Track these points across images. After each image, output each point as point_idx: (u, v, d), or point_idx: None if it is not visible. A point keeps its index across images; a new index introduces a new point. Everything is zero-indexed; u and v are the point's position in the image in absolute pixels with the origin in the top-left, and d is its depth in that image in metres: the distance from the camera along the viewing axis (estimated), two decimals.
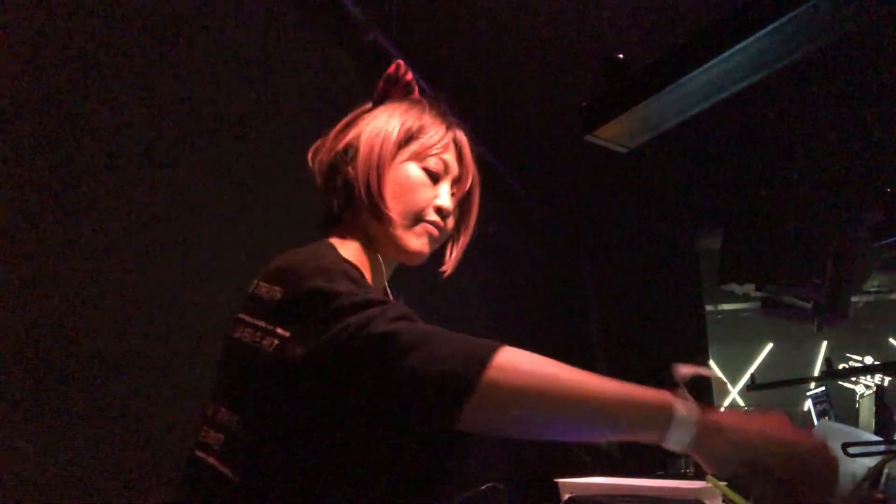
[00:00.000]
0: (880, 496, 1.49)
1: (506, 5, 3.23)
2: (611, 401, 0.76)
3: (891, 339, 9.93)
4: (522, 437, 0.79)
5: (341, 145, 1.06)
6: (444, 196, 1.06)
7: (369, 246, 1.06)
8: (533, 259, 5.17)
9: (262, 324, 0.85)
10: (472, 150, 1.13)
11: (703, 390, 5.84)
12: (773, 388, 2.55)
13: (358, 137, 1.05)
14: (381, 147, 1.02)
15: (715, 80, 1.18)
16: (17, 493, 1.52)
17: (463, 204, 1.14)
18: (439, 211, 1.06)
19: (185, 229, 2.13)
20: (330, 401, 0.79)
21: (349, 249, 1.03)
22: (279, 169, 2.57)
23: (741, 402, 11.98)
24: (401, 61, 1.16)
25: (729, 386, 12.08)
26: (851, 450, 1.53)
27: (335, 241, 1.04)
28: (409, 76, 1.16)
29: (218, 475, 0.81)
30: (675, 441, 0.76)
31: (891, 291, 7.51)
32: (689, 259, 5.95)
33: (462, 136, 1.13)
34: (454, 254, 1.17)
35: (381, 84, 1.15)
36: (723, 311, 9.37)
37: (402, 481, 0.85)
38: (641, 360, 5.57)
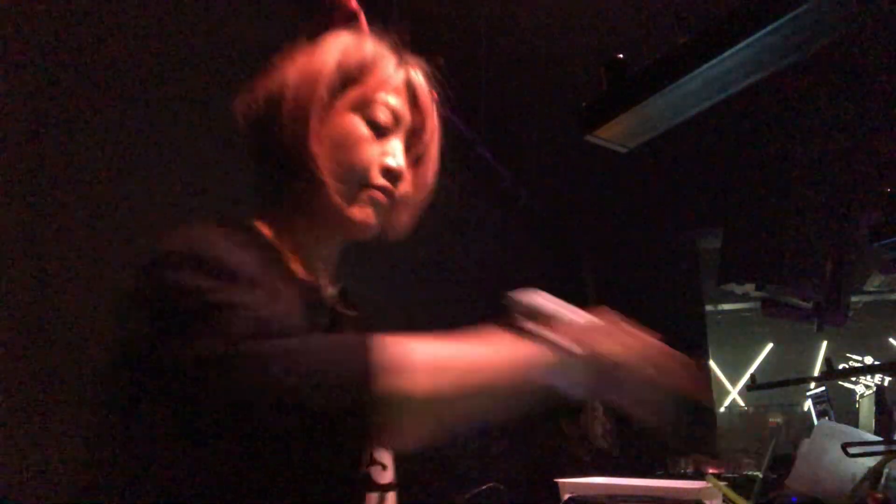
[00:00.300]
0: (880, 496, 1.49)
1: (505, 5, 3.23)
2: (503, 369, 0.68)
3: (891, 339, 9.93)
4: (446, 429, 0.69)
5: (263, 95, 0.82)
6: (394, 154, 0.84)
7: (310, 222, 0.84)
8: (533, 259, 5.17)
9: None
10: (433, 93, 0.92)
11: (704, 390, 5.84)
12: (773, 388, 2.55)
13: (283, 84, 0.81)
14: (311, 94, 0.79)
15: (715, 80, 1.18)
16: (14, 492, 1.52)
17: (418, 158, 0.92)
18: (388, 172, 0.83)
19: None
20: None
21: (283, 230, 0.84)
22: None
23: (741, 403, 11.99)
24: None
25: (730, 386, 12.10)
26: (851, 450, 1.53)
27: (261, 224, 0.84)
28: (353, 3, 0.93)
29: None
30: (568, 382, 0.70)
31: (891, 291, 7.52)
32: (689, 259, 5.95)
33: (417, 76, 0.90)
34: (403, 215, 0.91)
35: (315, 16, 0.93)
36: (723, 311, 9.38)
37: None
38: None
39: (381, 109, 0.84)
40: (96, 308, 1.75)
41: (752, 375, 2.63)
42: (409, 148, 0.89)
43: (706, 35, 1.13)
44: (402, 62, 0.89)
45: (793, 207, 2.91)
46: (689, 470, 3.15)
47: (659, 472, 3.10)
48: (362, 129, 0.82)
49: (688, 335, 5.78)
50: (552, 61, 3.61)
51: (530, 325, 0.73)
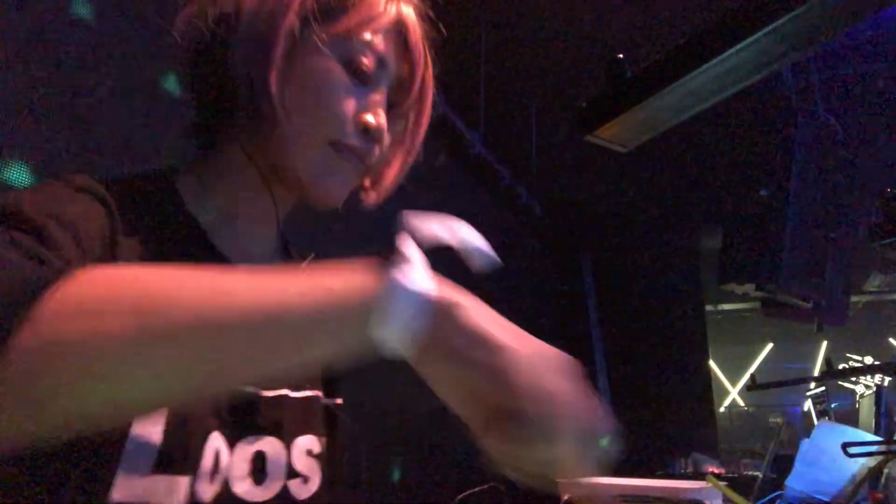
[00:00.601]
0: (880, 496, 1.49)
1: (505, 6, 3.23)
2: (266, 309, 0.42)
3: (891, 339, 9.93)
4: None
5: (214, 12, 0.63)
6: (374, 108, 0.67)
7: (254, 177, 0.68)
8: (533, 259, 5.17)
9: None
10: (424, 37, 0.74)
11: (704, 390, 5.84)
12: (773, 388, 2.55)
13: (240, 1, 0.63)
14: (278, 18, 0.61)
15: (715, 80, 1.18)
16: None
17: (402, 116, 0.73)
18: (365, 130, 0.66)
19: None
20: None
21: (218, 185, 0.69)
22: None
23: (741, 403, 11.99)
24: None
25: (730, 386, 12.09)
26: (851, 450, 1.53)
27: (189, 176, 0.69)
28: None
29: None
30: (393, 334, 0.44)
31: (891, 291, 7.52)
32: (689, 259, 5.95)
33: (410, 14, 0.71)
34: (385, 179, 0.77)
35: None
36: (723, 311, 9.38)
37: None
38: (641, 360, 5.58)
39: (364, 51, 0.66)
40: None
41: (752, 375, 2.63)
42: (392, 103, 0.70)
43: (706, 35, 1.13)
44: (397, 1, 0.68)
45: (793, 207, 2.91)
46: (689, 470, 3.15)
47: (659, 472, 3.10)
48: (339, 73, 0.64)
49: (688, 335, 5.79)
50: (552, 61, 3.61)
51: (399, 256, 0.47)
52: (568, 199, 5.23)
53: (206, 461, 0.58)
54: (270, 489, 0.64)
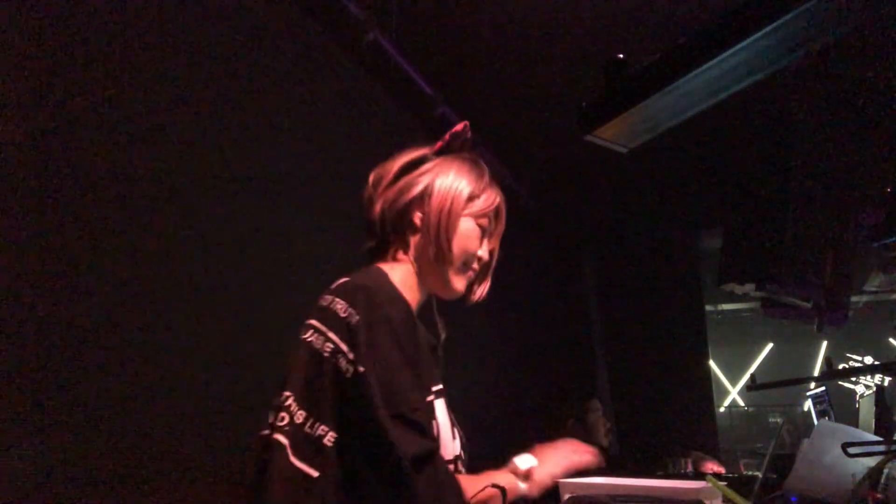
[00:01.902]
0: (880, 496, 1.49)
1: (505, 6, 3.23)
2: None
3: (891, 339, 9.93)
4: None
5: (415, 192, 1.23)
6: (486, 250, 1.27)
7: (415, 274, 1.24)
8: (533, 259, 5.17)
9: (334, 337, 1.05)
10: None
11: (704, 390, 5.84)
12: (773, 388, 2.55)
13: (430, 188, 1.23)
14: (453, 204, 1.21)
15: (715, 80, 1.18)
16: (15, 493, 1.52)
17: (492, 245, 1.33)
18: (480, 260, 1.27)
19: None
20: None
21: (398, 274, 1.20)
22: (277, 168, 2.57)
23: (741, 403, 11.98)
24: (468, 123, 1.32)
25: (730, 386, 12.08)
26: (851, 450, 1.53)
27: (384, 266, 1.22)
28: (468, 133, 1.33)
29: (286, 459, 0.99)
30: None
31: (891, 291, 7.51)
32: (689, 259, 5.95)
33: (503, 200, 1.31)
34: (484, 286, 1.34)
35: (446, 137, 1.31)
36: (723, 311, 9.37)
37: None
38: (641, 360, 5.58)
39: (486, 220, 1.26)
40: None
41: (752, 375, 2.63)
42: (486, 237, 1.29)
43: (706, 35, 1.13)
44: (498, 191, 1.29)
45: (793, 207, 2.91)
46: (689, 470, 3.15)
47: (659, 473, 3.09)
48: (477, 230, 1.24)
49: (688, 335, 5.78)
50: (552, 61, 3.61)
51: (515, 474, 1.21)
52: (568, 199, 5.23)
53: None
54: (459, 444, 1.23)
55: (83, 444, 1.68)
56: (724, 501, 1.33)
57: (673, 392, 5.50)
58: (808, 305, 2.84)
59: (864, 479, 1.49)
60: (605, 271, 6.03)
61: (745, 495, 1.11)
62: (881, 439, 1.71)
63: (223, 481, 2.07)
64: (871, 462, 1.52)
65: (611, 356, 5.81)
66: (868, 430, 2.31)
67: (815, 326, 2.89)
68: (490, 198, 1.26)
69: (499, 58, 3.55)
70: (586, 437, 3.39)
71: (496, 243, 1.32)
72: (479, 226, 1.25)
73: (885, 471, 1.53)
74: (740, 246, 3.07)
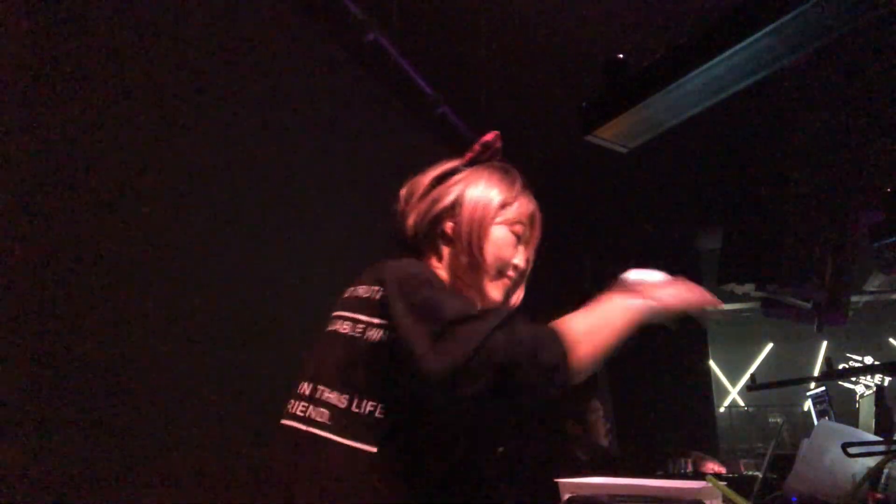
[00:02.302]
0: (880, 496, 1.49)
1: (506, 6, 3.23)
2: (625, 321, 1.08)
3: (891, 339, 9.94)
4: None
5: (446, 201, 1.22)
6: (522, 257, 1.26)
7: (454, 286, 1.23)
8: (533, 259, 5.16)
9: (363, 318, 1.04)
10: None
11: (704, 390, 5.84)
12: (773, 388, 2.55)
13: (461, 197, 1.22)
14: (484, 212, 1.20)
15: (715, 80, 1.18)
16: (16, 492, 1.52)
17: (529, 252, 1.33)
18: (516, 268, 1.25)
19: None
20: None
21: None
22: (277, 171, 2.57)
23: (741, 403, 11.98)
24: (498, 133, 1.32)
25: (730, 386, 12.09)
26: (851, 450, 1.53)
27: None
28: (499, 143, 1.33)
29: (335, 445, 0.97)
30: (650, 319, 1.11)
31: (891, 291, 7.51)
32: (689, 259, 5.95)
33: (536, 207, 1.31)
34: (519, 294, 1.33)
35: (476, 147, 1.30)
36: (723, 311, 9.37)
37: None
38: (641, 360, 5.57)
39: (520, 227, 1.25)
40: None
41: (752, 375, 2.63)
42: (522, 244, 1.28)
43: (706, 35, 1.13)
44: (530, 197, 1.29)
45: (793, 207, 2.91)
46: (689, 470, 3.15)
47: (659, 473, 3.10)
48: (511, 237, 1.23)
49: (688, 335, 5.78)
50: (552, 61, 3.61)
51: (630, 290, 1.13)
52: (568, 199, 5.23)
53: None
54: None
55: (83, 444, 1.68)
56: (724, 501, 1.33)
57: (673, 392, 5.49)
58: (808, 305, 2.85)
59: (864, 479, 1.49)
60: (604, 271, 6.03)
61: (745, 495, 1.11)
62: (881, 439, 1.71)
63: (224, 481, 2.07)
64: (871, 462, 1.52)
65: (610, 356, 5.79)
66: (868, 430, 2.31)
67: (815, 326, 2.89)
68: (523, 205, 1.26)
69: (499, 58, 3.55)
70: (586, 437, 3.39)
71: (532, 251, 1.30)
72: (514, 233, 1.24)
73: (885, 471, 1.53)
74: (740, 246, 3.07)
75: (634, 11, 3.14)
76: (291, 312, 2.55)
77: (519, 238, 1.25)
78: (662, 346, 5.55)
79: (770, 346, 11.90)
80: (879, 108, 3.43)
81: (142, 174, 1.97)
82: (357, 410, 0.97)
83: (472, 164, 1.29)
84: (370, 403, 0.97)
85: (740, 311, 9.34)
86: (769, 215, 2.98)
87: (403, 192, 1.28)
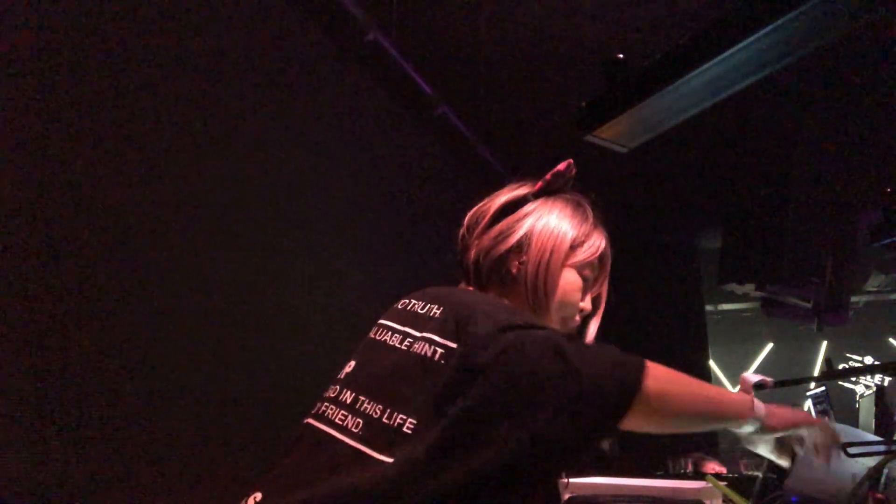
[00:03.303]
0: (880, 496, 1.49)
1: (506, 6, 3.23)
2: (721, 402, 1.03)
3: (891, 339, 9.93)
4: (658, 431, 0.97)
5: (513, 240, 1.14)
6: (587, 301, 1.20)
7: None
8: (605, 295, 5.15)
9: (416, 333, 0.99)
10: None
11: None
12: (774, 388, 2.55)
13: (529, 236, 1.15)
14: (553, 256, 1.13)
15: (715, 80, 1.18)
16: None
17: (598, 290, 1.27)
18: (581, 312, 1.19)
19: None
20: (504, 409, 0.89)
21: None
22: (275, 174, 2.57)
23: None
24: (571, 161, 1.25)
25: (730, 386, 12.06)
26: (851, 450, 1.53)
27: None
28: (573, 171, 1.26)
29: (363, 455, 0.91)
30: (747, 428, 1.06)
31: (891, 291, 7.51)
32: (689, 259, 5.94)
33: (607, 243, 1.24)
34: (591, 329, 1.27)
35: (548, 177, 1.22)
36: (723, 311, 9.36)
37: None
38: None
39: (589, 270, 1.18)
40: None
41: None
42: (589, 288, 1.22)
43: (706, 35, 1.13)
44: (602, 235, 1.22)
45: (793, 207, 2.91)
46: (689, 470, 3.15)
47: (659, 473, 3.09)
48: (579, 283, 1.16)
49: (688, 335, 5.78)
50: (552, 61, 3.61)
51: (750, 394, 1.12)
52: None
53: None
54: None
55: (85, 445, 1.68)
56: (724, 501, 1.33)
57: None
58: (808, 305, 2.85)
59: (864, 479, 1.49)
60: None
61: (745, 495, 1.11)
62: (881, 439, 1.71)
63: (227, 482, 2.07)
64: (871, 462, 1.52)
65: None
66: (868, 430, 2.30)
67: (815, 326, 2.89)
68: (594, 245, 1.19)
69: (499, 58, 3.55)
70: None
71: (602, 288, 1.25)
72: (583, 277, 1.17)
73: (885, 471, 1.53)
74: (740, 246, 3.08)
75: (634, 11, 3.14)
76: (289, 311, 2.55)
77: (587, 281, 1.18)
78: (662, 346, 5.55)
79: (770, 346, 11.90)
80: (880, 108, 3.43)
81: (141, 174, 1.97)
82: (387, 422, 0.92)
83: (542, 193, 1.22)
84: (400, 416, 0.92)
85: (740, 311, 9.33)
86: (769, 216, 2.98)
87: (467, 220, 1.22)
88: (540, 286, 1.11)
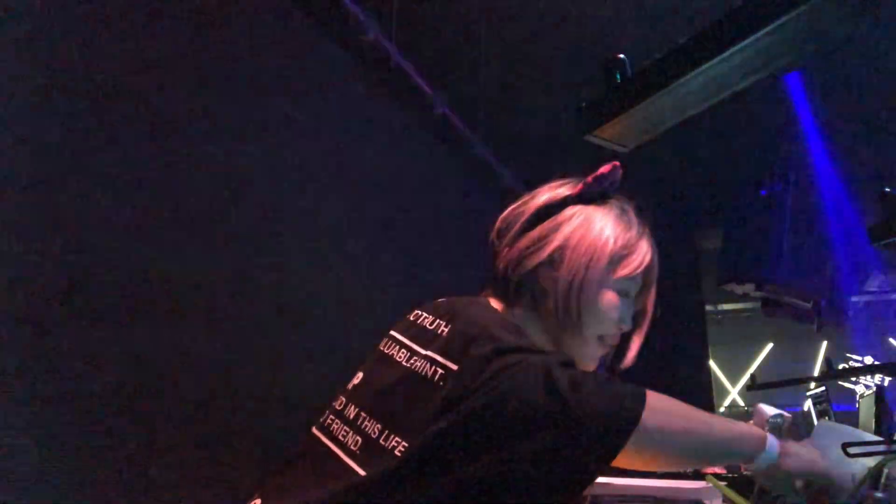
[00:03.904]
0: (880, 496, 1.49)
1: (505, 6, 3.23)
2: (728, 439, 0.94)
3: (891, 339, 9.93)
4: (657, 468, 0.93)
5: (546, 252, 1.03)
6: (627, 318, 1.08)
7: (542, 332, 1.05)
8: (651, 309, 5.15)
9: (421, 350, 0.94)
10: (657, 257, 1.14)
11: (704, 390, 5.84)
12: (773, 388, 2.55)
13: (563, 249, 1.03)
14: (588, 270, 1.02)
15: (715, 80, 1.18)
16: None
17: (638, 309, 1.15)
18: (619, 330, 1.09)
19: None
20: (488, 439, 0.83)
21: (518, 323, 1.03)
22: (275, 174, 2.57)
23: (741, 402, 11.97)
24: (617, 164, 1.13)
25: (730, 386, 12.08)
26: (851, 450, 1.53)
27: (501, 309, 1.06)
28: (619, 173, 1.13)
29: (352, 473, 0.88)
30: (758, 466, 0.96)
31: (891, 291, 7.51)
32: (689, 259, 5.95)
33: (655, 256, 1.13)
34: (634, 346, 1.17)
35: (590, 180, 1.10)
36: (723, 311, 9.37)
37: None
38: (641, 360, 5.57)
39: (631, 284, 1.07)
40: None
41: (752, 375, 2.63)
42: (634, 300, 1.12)
43: (706, 35, 1.13)
44: (649, 244, 1.11)
45: (793, 207, 2.91)
46: (689, 470, 3.15)
47: (659, 472, 3.09)
48: (616, 301, 1.05)
49: (688, 335, 5.78)
50: (552, 61, 3.61)
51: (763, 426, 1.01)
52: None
53: None
54: None
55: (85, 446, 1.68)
56: (724, 501, 1.33)
57: (673, 392, 5.48)
58: (808, 305, 2.85)
59: (864, 479, 1.49)
60: None
61: (745, 495, 1.11)
62: (881, 439, 1.71)
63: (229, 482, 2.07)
64: (871, 462, 1.52)
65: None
66: (868, 430, 2.31)
67: (815, 326, 2.89)
68: (637, 259, 1.07)
69: (499, 58, 3.55)
70: None
71: (647, 303, 1.14)
72: (622, 293, 1.06)
73: (885, 471, 1.53)
74: (740, 246, 3.08)
75: (634, 11, 3.14)
76: (290, 311, 2.55)
77: (626, 297, 1.07)
78: (662, 346, 5.55)
79: (770, 346, 11.89)
80: (880, 108, 3.43)
81: (142, 174, 1.97)
82: (383, 443, 0.88)
83: (583, 198, 1.09)
84: (395, 439, 0.87)
85: (740, 311, 9.33)
86: (769, 215, 2.98)
87: (499, 223, 1.10)
88: (572, 306, 1.01)
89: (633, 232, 1.09)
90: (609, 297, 1.04)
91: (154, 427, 1.89)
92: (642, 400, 0.85)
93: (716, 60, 1.11)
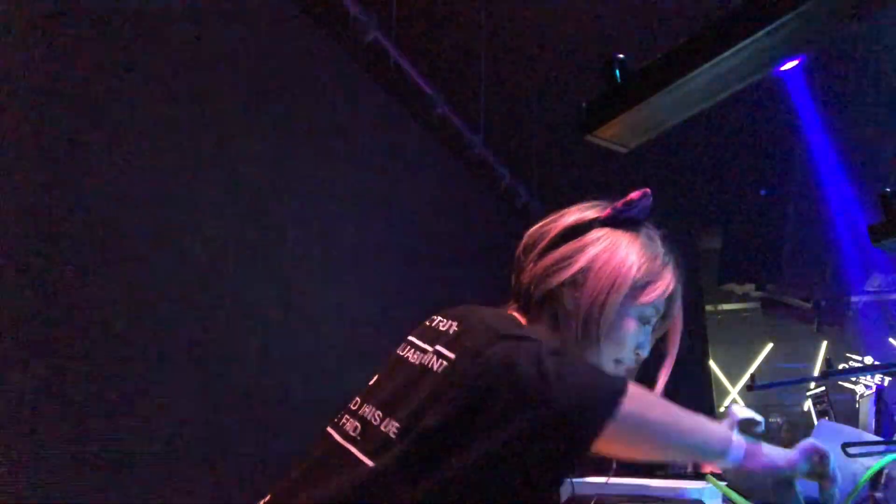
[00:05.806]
0: (880, 496, 1.49)
1: (505, 6, 3.23)
2: (700, 435, 0.93)
3: (891, 339, 9.94)
4: (631, 459, 0.91)
5: (569, 272, 1.05)
6: (646, 344, 1.10)
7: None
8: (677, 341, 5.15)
9: (430, 347, 0.96)
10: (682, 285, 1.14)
11: (704, 390, 5.84)
12: (773, 388, 2.55)
13: (587, 271, 1.05)
14: (610, 294, 1.03)
15: (715, 80, 1.18)
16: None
17: (662, 335, 1.17)
18: (637, 357, 1.10)
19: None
20: (476, 420, 0.85)
21: (538, 335, 1.04)
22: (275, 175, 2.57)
23: (741, 402, 11.96)
24: (648, 190, 1.16)
25: (730, 386, 12.08)
26: (851, 450, 1.53)
27: (522, 322, 1.07)
28: (648, 203, 1.15)
29: (361, 464, 0.89)
30: (724, 466, 0.96)
31: (891, 291, 7.51)
32: (689, 259, 5.94)
33: (680, 283, 1.12)
34: (662, 378, 1.19)
35: (619, 205, 1.13)
36: (723, 311, 9.37)
37: None
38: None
39: (652, 309, 1.08)
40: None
41: (752, 375, 2.63)
42: (655, 328, 1.13)
43: (706, 35, 1.13)
44: (671, 272, 1.10)
45: (793, 207, 2.91)
46: (689, 470, 3.15)
47: (659, 472, 3.10)
48: (636, 327, 1.07)
49: (688, 335, 5.78)
50: (552, 61, 3.61)
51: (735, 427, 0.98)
52: (568, 199, 5.22)
53: None
54: None
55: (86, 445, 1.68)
56: (724, 501, 1.33)
57: (673, 392, 5.48)
58: (808, 305, 2.85)
59: (864, 479, 1.49)
60: None
61: (745, 495, 1.11)
62: (881, 439, 1.71)
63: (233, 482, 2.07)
64: (871, 462, 1.52)
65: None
66: (868, 430, 2.31)
67: (814, 326, 2.89)
68: (660, 286, 1.07)
69: (499, 57, 3.55)
70: None
71: (672, 332, 1.16)
72: (643, 321, 1.08)
73: (885, 471, 1.53)
74: (740, 246, 3.08)
75: (634, 11, 3.14)
76: (291, 312, 2.55)
77: (646, 324, 1.09)
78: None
79: (770, 346, 11.90)
80: (879, 108, 3.43)
81: (140, 174, 1.98)
82: (384, 430, 0.90)
83: (611, 222, 1.11)
84: (395, 424, 0.90)
85: (740, 311, 9.34)
86: (769, 215, 2.98)
87: (526, 239, 1.13)
88: (592, 327, 1.02)
89: (658, 261, 1.09)
90: (628, 323, 1.06)
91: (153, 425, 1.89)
92: (622, 389, 0.85)
93: (716, 60, 1.11)
